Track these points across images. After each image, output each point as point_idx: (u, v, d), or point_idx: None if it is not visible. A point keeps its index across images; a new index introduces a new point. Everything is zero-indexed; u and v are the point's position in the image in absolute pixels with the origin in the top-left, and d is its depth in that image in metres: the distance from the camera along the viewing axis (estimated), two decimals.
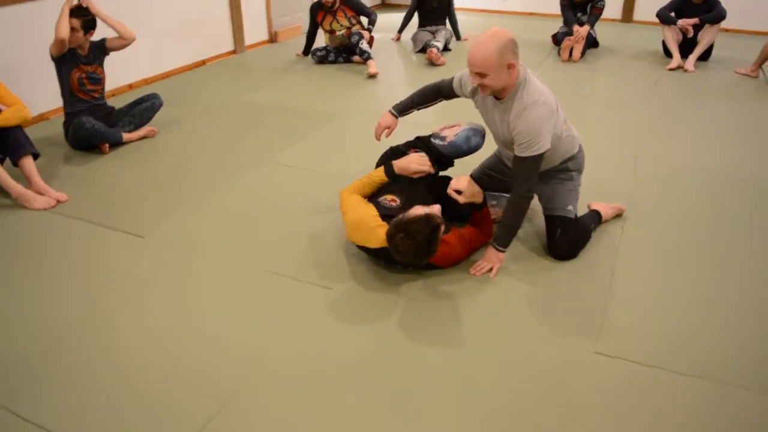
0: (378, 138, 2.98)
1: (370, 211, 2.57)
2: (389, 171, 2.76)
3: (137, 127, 4.15)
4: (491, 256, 2.62)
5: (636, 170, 3.64)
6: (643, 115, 4.62)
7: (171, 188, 3.45)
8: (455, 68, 4.66)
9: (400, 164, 2.75)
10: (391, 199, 2.67)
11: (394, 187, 2.74)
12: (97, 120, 3.86)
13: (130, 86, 5.27)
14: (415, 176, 2.74)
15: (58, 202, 3.27)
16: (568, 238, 2.70)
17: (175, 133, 4.27)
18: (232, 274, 2.65)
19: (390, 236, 2.36)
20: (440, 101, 2.92)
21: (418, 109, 2.96)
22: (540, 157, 2.48)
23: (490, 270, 2.61)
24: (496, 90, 2.48)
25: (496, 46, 2.34)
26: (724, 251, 2.81)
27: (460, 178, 2.65)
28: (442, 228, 2.39)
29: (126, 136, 4.04)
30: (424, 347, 2.21)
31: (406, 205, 2.57)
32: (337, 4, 5.94)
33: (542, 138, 2.45)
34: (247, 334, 2.27)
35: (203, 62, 6.10)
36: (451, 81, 2.81)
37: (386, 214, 2.55)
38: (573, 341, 2.23)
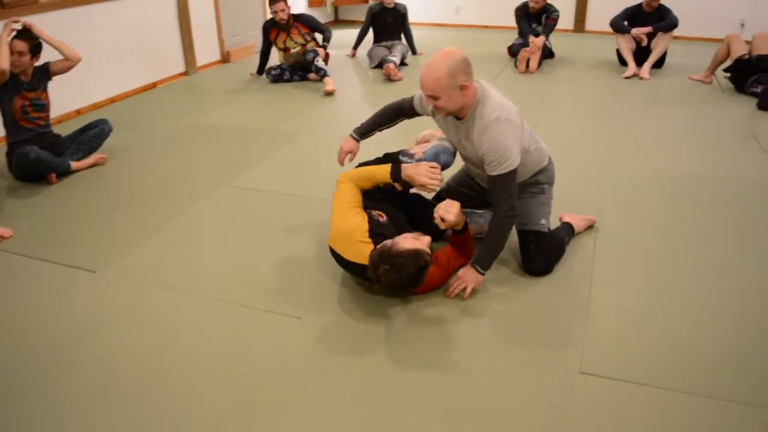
0: (342, 163, 2.86)
1: (362, 225, 2.41)
2: (395, 173, 2.56)
3: (86, 154, 3.95)
4: (467, 276, 2.49)
5: (602, 177, 3.60)
6: (605, 122, 4.62)
7: (124, 218, 3.26)
8: (412, 83, 4.60)
9: (408, 171, 2.52)
10: (377, 214, 2.52)
11: (380, 204, 2.60)
12: (42, 149, 3.64)
13: (78, 112, 5.05)
14: (420, 190, 2.62)
15: (2, 237, 3.06)
16: (542, 252, 2.62)
17: (127, 160, 4.08)
18: (194, 308, 2.48)
19: (374, 264, 2.23)
20: (402, 120, 2.84)
21: (380, 130, 2.86)
22: (514, 173, 2.39)
23: (464, 289, 2.48)
24: (452, 111, 2.40)
25: (446, 67, 2.26)
26: (697, 253, 2.80)
27: (450, 205, 2.41)
28: (430, 267, 2.28)
29: (74, 164, 3.84)
30: (406, 376, 2.08)
31: (393, 224, 2.47)
32: (291, 21, 5.82)
33: (511, 154, 2.36)
34: (214, 374, 2.11)
35: (154, 85, 5.90)
36: (411, 100, 2.73)
37: (375, 231, 2.40)
38: (557, 362, 2.13)
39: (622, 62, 6.18)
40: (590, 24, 8.06)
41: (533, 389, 2.00)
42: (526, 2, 6.42)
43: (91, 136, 4.00)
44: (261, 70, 6.12)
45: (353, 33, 7.11)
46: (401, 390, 2.02)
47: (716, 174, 3.66)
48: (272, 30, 5.87)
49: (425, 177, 2.51)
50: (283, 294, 2.57)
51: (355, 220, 2.43)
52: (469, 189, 2.90)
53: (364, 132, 2.84)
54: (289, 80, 5.96)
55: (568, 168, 3.64)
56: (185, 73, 6.30)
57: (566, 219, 2.94)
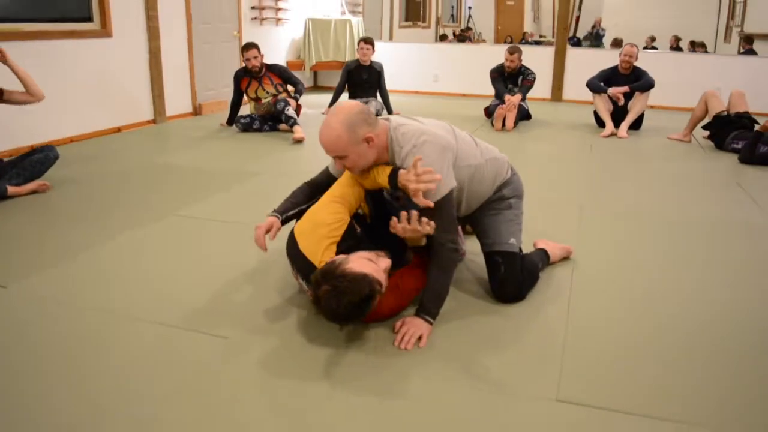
0: (262, 244, 2.30)
1: (337, 224, 2.10)
2: (392, 178, 2.12)
3: (26, 180, 3.65)
4: (417, 323, 2.08)
5: (581, 219, 3.36)
6: (583, 172, 4.45)
7: (52, 239, 2.93)
8: None
9: (404, 176, 2.06)
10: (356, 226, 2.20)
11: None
12: None
13: (32, 147, 4.76)
14: (413, 195, 2.04)
15: None
16: (513, 275, 2.32)
17: (71, 190, 3.78)
18: (111, 327, 2.13)
19: (315, 283, 1.90)
20: (317, 197, 2.37)
21: (300, 209, 2.39)
22: (450, 197, 2.11)
23: (419, 338, 2.06)
24: (366, 167, 2.14)
25: (343, 123, 2.04)
26: (678, 283, 2.57)
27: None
28: (378, 299, 1.93)
29: (12, 189, 3.53)
30: (357, 406, 1.74)
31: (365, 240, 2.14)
32: (263, 70, 5.69)
33: (441, 175, 2.05)
34: (132, 389, 1.75)
35: (118, 129, 5.68)
36: (326, 172, 2.42)
37: (346, 239, 2.10)
38: (532, 390, 1.81)
39: (600, 123, 6.10)
40: (567, 93, 8.08)
41: (507, 417, 1.67)
42: (502, 64, 6.39)
43: (34, 162, 3.72)
44: (231, 120, 5.93)
45: (330, 98, 6.99)
46: (356, 422, 1.67)
47: (701, 216, 3.46)
48: (244, 78, 5.73)
49: (416, 182, 2.04)
50: (211, 314, 2.24)
51: (332, 216, 2.12)
52: None
53: (283, 211, 2.37)
54: (259, 129, 5.77)
55: (546, 209, 3.41)
56: (153, 121, 6.09)
57: (540, 245, 2.67)
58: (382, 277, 1.93)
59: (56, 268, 2.61)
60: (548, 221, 3.23)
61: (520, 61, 6.25)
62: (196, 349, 2.00)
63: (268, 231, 2.30)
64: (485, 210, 2.41)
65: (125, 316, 2.20)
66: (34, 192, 3.66)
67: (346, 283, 1.83)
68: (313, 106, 7.07)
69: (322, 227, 2.09)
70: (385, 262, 1.98)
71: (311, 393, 1.77)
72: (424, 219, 2.00)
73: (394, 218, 2.03)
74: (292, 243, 2.14)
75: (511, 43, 8.91)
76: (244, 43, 5.76)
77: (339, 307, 1.84)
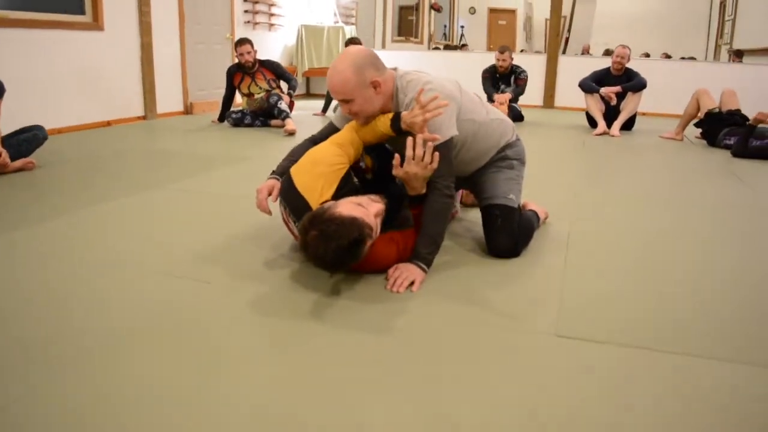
0: (264, 207, 2.23)
1: (337, 162, 2.03)
2: (395, 122, 2.06)
3: (13, 158, 3.58)
4: (411, 269, 2.01)
5: (576, 199, 3.32)
6: (576, 164, 4.43)
7: (41, 204, 2.86)
8: None
9: (408, 115, 2.01)
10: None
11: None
12: None
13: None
14: (419, 131, 1.98)
15: None
16: (510, 229, 2.26)
17: (58, 169, 3.71)
18: (97, 277, 2.06)
19: (303, 229, 1.82)
20: None
21: None
22: (449, 144, 2.07)
23: (412, 283, 2.00)
24: (372, 114, 2.10)
25: (351, 66, 2.01)
26: (669, 239, 2.50)
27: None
28: (368, 243, 1.84)
29: None
30: (356, 341, 1.67)
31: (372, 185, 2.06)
32: (256, 65, 5.67)
33: (441, 121, 2.03)
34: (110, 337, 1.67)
35: (108, 123, 5.63)
36: (330, 126, 2.35)
37: (345, 187, 2.02)
38: (531, 325, 1.75)
39: (592, 124, 6.11)
40: (559, 100, 8.11)
41: (507, 355, 1.60)
42: (494, 64, 6.41)
43: (22, 140, 3.67)
44: (222, 117, 5.90)
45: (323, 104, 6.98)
46: (354, 357, 1.61)
47: (696, 197, 3.42)
48: (237, 74, 5.71)
49: (422, 114, 1.97)
50: (201, 263, 2.17)
51: (333, 157, 2.05)
52: None
53: (283, 171, 2.24)
54: (250, 125, 5.73)
55: (539, 193, 3.38)
56: (143, 117, 6.05)
57: (530, 207, 2.63)
58: (372, 222, 1.85)
59: (43, 226, 2.53)
60: (542, 197, 3.18)
61: (511, 59, 6.29)
62: (184, 292, 1.93)
63: (269, 194, 2.23)
64: (487, 168, 2.38)
65: (108, 267, 2.13)
66: (20, 170, 3.59)
67: (334, 227, 1.75)
68: (305, 109, 7.06)
69: (321, 165, 2.03)
70: (376, 207, 1.91)
71: (301, 330, 1.70)
72: (429, 146, 1.94)
73: (397, 157, 1.98)
74: (287, 183, 2.07)
75: None
76: (236, 40, 5.74)
77: (327, 252, 1.75)
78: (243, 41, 5.59)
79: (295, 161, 2.20)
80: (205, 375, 1.44)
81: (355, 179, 2.14)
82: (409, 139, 1.96)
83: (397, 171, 2.00)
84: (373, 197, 1.97)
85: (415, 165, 1.97)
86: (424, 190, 2.07)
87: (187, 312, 1.78)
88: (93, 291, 1.91)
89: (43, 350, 1.53)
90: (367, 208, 1.88)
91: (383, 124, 2.10)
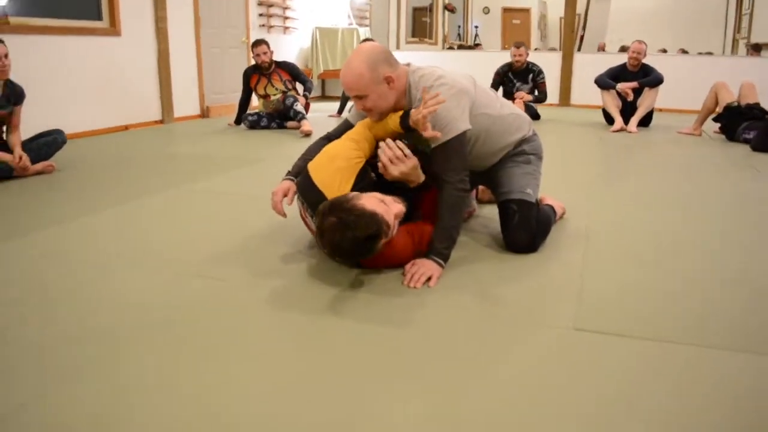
0: (280, 210, 2.23)
1: (354, 156, 2.05)
2: (404, 119, 2.06)
3: (33, 161, 3.63)
4: (428, 264, 2.01)
5: (593, 192, 3.30)
6: (593, 158, 4.40)
7: (60, 203, 2.90)
8: None
9: (414, 113, 2.00)
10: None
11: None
12: None
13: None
14: (422, 129, 1.99)
15: None
16: (527, 224, 2.25)
17: (77, 172, 3.76)
18: (117, 276, 2.08)
19: (322, 213, 1.83)
20: None
21: None
22: (461, 138, 2.06)
23: (429, 279, 1.98)
24: (385, 110, 2.10)
25: (365, 61, 2.02)
26: (696, 233, 2.46)
27: (401, 155, 2.01)
28: (383, 240, 1.84)
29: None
30: (376, 333, 1.68)
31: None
32: (273, 66, 5.71)
33: (453, 116, 2.04)
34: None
35: (126, 127, 5.68)
36: (344, 123, 2.35)
37: (362, 181, 2.03)
38: (549, 319, 1.75)
39: (609, 121, 6.06)
40: (575, 98, 8.07)
41: (525, 349, 1.59)
42: (508, 63, 6.40)
43: (42, 144, 3.73)
44: (239, 119, 5.93)
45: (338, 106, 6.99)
46: (371, 351, 1.61)
47: (716, 189, 3.39)
48: (253, 75, 5.75)
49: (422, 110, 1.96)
50: (217, 262, 2.19)
51: (350, 151, 2.07)
52: None
53: (298, 171, 2.24)
54: (267, 127, 5.76)
55: (555, 187, 3.36)
56: (161, 121, 6.11)
57: (547, 201, 2.62)
58: (391, 220, 1.86)
59: (63, 227, 2.57)
60: (560, 193, 3.16)
61: (528, 55, 6.28)
62: (202, 290, 1.94)
63: (284, 196, 2.24)
64: (504, 163, 2.37)
65: (127, 266, 2.15)
66: (40, 173, 3.65)
67: (353, 218, 1.76)
68: (320, 110, 7.08)
69: (338, 159, 2.04)
70: (397, 207, 1.91)
71: (319, 325, 1.71)
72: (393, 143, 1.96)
73: (380, 165, 1.98)
74: (305, 179, 2.08)
75: None
76: (253, 41, 5.78)
77: (342, 240, 1.76)
78: (259, 42, 5.63)
79: (309, 160, 2.19)
80: (224, 371, 1.45)
81: (372, 174, 2.15)
82: (381, 144, 1.96)
83: (388, 176, 2.00)
84: (397, 198, 1.97)
85: (396, 165, 1.96)
86: (422, 178, 2.07)
87: (204, 309, 1.79)
88: (111, 290, 1.93)
89: (62, 348, 1.55)
90: (389, 207, 1.88)
91: (393, 121, 2.11)
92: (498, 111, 2.28)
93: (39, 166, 3.64)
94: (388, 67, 2.06)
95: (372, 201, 1.85)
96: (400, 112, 2.11)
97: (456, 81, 2.12)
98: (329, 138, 2.34)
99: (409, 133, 2.09)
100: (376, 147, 2.14)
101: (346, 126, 2.33)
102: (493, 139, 2.29)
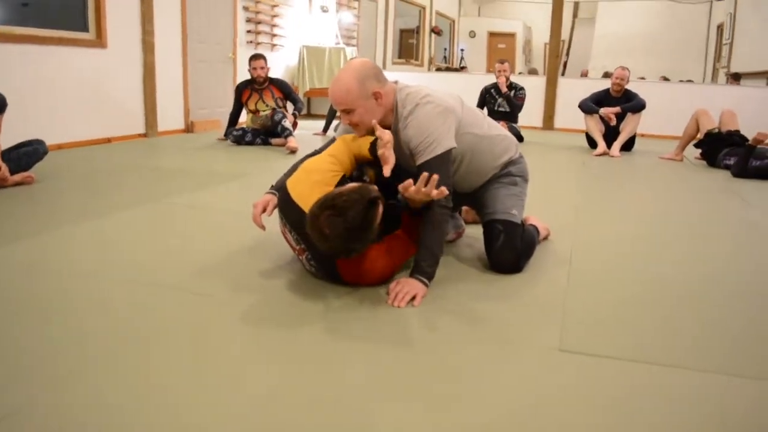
0: (259, 222, 2.21)
1: (331, 171, 2.03)
2: (372, 147, 2.07)
3: (13, 171, 3.57)
4: (413, 283, 1.98)
5: (577, 215, 3.31)
6: (576, 182, 4.43)
7: (38, 214, 2.84)
8: None
9: (378, 145, 2.02)
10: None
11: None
12: None
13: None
14: (383, 162, 2.02)
15: None
16: (513, 245, 2.25)
17: (57, 183, 3.70)
18: (97, 288, 2.04)
19: (313, 217, 1.80)
20: None
21: None
22: (446, 156, 2.06)
23: (413, 298, 1.95)
24: (372, 127, 2.07)
25: (354, 76, 2.03)
26: (671, 254, 2.49)
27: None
28: (381, 207, 1.84)
29: None
30: (357, 352, 1.65)
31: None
32: (266, 82, 5.71)
33: (438, 134, 2.04)
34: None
35: (108, 140, 5.63)
36: (332, 141, 2.31)
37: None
38: (535, 341, 1.74)
39: (592, 144, 6.12)
40: (559, 122, 8.15)
41: (510, 369, 1.58)
42: (494, 83, 6.49)
43: (22, 154, 3.66)
44: (229, 133, 5.90)
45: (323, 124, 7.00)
46: (354, 370, 1.59)
47: (697, 212, 3.42)
48: (245, 90, 5.75)
49: (381, 147, 2.02)
50: (200, 276, 2.15)
51: (327, 165, 2.06)
52: None
53: (281, 186, 2.20)
54: (251, 143, 5.72)
55: (539, 209, 3.37)
56: (144, 135, 6.06)
57: (532, 221, 2.62)
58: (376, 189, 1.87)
59: (43, 238, 2.52)
60: (544, 215, 3.18)
61: (511, 72, 6.40)
62: (184, 305, 1.91)
63: (264, 209, 2.23)
64: (490, 184, 2.37)
65: (108, 278, 2.11)
66: (19, 184, 3.58)
67: (345, 198, 1.77)
68: (306, 128, 7.07)
69: (315, 173, 2.03)
70: (375, 188, 1.91)
71: (302, 343, 1.68)
72: (434, 180, 1.93)
73: (410, 180, 1.95)
74: (283, 194, 2.07)
75: None
76: (251, 55, 5.78)
77: (347, 222, 1.74)
78: (258, 56, 5.66)
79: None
80: (203, 387, 1.42)
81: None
82: (424, 175, 1.93)
83: (403, 191, 1.99)
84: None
85: (419, 192, 1.94)
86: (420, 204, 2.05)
87: (184, 324, 1.76)
88: (91, 304, 1.89)
89: (40, 362, 1.51)
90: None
91: (365, 146, 2.11)
92: (485, 131, 2.29)
93: (18, 176, 3.58)
94: (377, 83, 2.06)
95: (350, 185, 1.88)
96: (372, 138, 2.10)
97: (442, 100, 2.12)
98: (313, 155, 2.33)
99: (375, 159, 2.09)
100: (370, 163, 2.15)
101: (332, 142, 2.32)
102: (480, 159, 2.30)
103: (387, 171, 1.98)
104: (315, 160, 2.12)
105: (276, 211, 2.21)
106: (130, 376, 1.44)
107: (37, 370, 1.45)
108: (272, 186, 2.31)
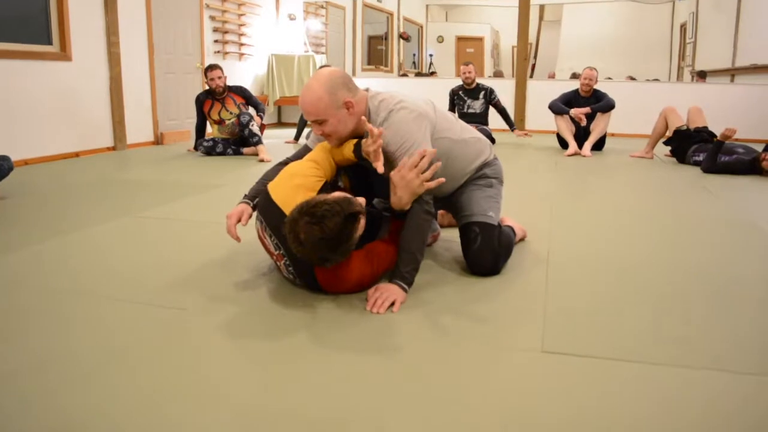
0: (233, 234, 2.18)
1: (313, 175, 2.03)
2: (357, 148, 2.06)
3: None
4: (392, 289, 1.97)
5: (552, 213, 3.32)
6: (550, 181, 4.45)
7: (8, 233, 2.77)
8: None
9: (365, 143, 2.03)
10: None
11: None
12: None
13: None
14: (372, 160, 2.01)
15: None
16: (490, 246, 2.24)
17: (27, 199, 3.61)
18: (69, 304, 1.98)
19: (292, 221, 1.77)
20: None
21: None
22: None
23: (392, 304, 1.94)
24: (345, 136, 2.08)
25: (324, 85, 1.99)
26: (646, 251, 2.49)
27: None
28: (362, 221, 1.83)
29: None
30: (342, 359, 1.62)
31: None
32: (226, 91, 5.65)
33: (414, 139, 2.03)
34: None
35: (77, 154, 5.52)
36: (304, 150, 2.31)
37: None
38: (517, 342, 1.73)
39: (563, 145, 6.16)
40: (529, 124, 8.20)
41: (494, 372, 1.57)
42: (459, 85, 6.55)
43: None
44: (197, 145, 5.83)
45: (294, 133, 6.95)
46: (335, 378, 1.56)
47: (668, 209, 3.46)
48: (206, 101, 5.67)
49: (372, 144, 1.98)
50: (174, 290, 2.11)
51: (309, 170, 2.04)
52: None
53: (256, 194, 2.23)
54: (222, 153, 5.66)
55: (514, 209, 3.37)
56: (113, 148, 5.96)
57: (507, 222, 2.62)
58: (360, 202, 1.86)
59: (10, 256, 2.45)
60: (519, 216, 3.18)
61: (476, 73, 6.45)
62: (158, 320, 1.86)
63: (239, 219, 2.19)
64: (466, 186, 2.36)
65: (79, 294, 2.06)
66: None
67: (326, 207, 1.75)
68: (277, 137, 7.03)
69: (297, 177, 2.01)
70: (360, 199, 1.90)
71: (282, 351, 1.65)
72: (436, 164, 1.97)
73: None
74: (264, 197, 2.04)
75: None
76: (206, 66, 5.71)
77: (323, 232, 1.73)
78: (213, 67, 5.57)
79: (266, 183, 2.17)
80: (181, 402, 1.38)
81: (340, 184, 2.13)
82: (419, 150, 1.95)
83: (394, 173, 1.98)
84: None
85: (411, 172, 1.94)
86: (408, 207, 2.03)
87: (159, 338, 1.72)
88: (61, 322, 1.83)
89: (8, 382, 1.45)
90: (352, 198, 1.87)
91: (348, 149, 2.09)
92: (459, 135, 2.29)
93: None
94: (348, 92, 2.04)
95: (334, 194, 1.86)
96: (355, 141, 2.08)
97: (416, 105, 2.11)
98: (287, 163, 2.30)
99: (361, 162, 2.08)
100: (344, 168, 2.13)
101: (305, 152, 2.29)
102: (455, 163, 2.29)
103: (380, 167, 1.96)
104: (298, 164, 2.10)
105: (253, 217, 2.18)
106: (105, 394, 1.40)
107: (9, 389, 1.40)
108: (245, 195, 2.28)
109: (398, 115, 2.06)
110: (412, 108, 2.08)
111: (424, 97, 2.26)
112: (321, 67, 6.63)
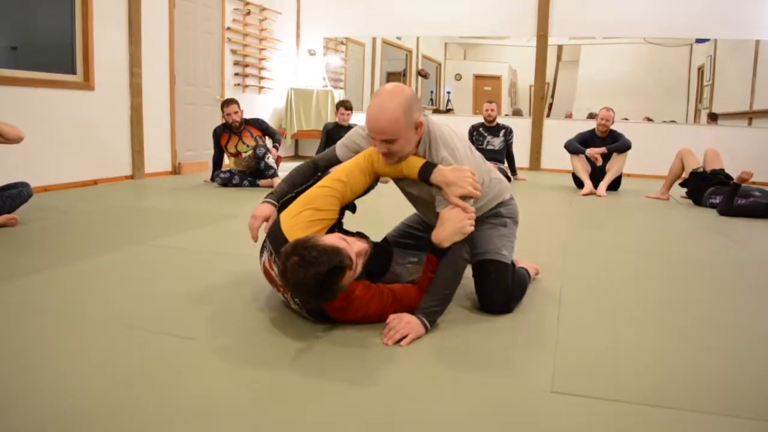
0: (256, 234, 2.22)
1: (329, 205, 2.02)
2: (425, 171, 2.03)
3: None
4: (413, 321, 1.97)
5: (565, 252, 3.30)
6: (564, 221, 4.43)
7: (20, 263, 2.79)
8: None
9: (448, 174, 2.00)
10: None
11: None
12: None
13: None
14: (451, 195, 2.00)
15: None
16: (504, 285, 2.22)
17: (41, 225, 3.65)
18: (79, 331, 1.99)
19: (285, 254, 1.78)
20: (318, 177, 2.30)
21: (297, 192, 2.27)
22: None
23: (404, 337, 1.92)
24: (405, 155, 2.07)
25: (400, 106, 1.94)
26: (662, 296, 2.45)
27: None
28: (348, 274, 1.81)
29: None
30: (341, 394, 1.61)
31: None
32: (242, 124, 5.72)
33: (461, 159, 2.07)
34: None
35: (95, 182, 5.59)
36: (332, 153, 2.30)
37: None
38: (526, 383, 1.70)
39: (579, 185, 6.16)
40: (545, 163, 8.21)
41: (503, 412, 1.54)
42: (480, 122, 6.61)
43: (6, 196, 3.61)
44: (214, 176, 5.89)
45: None
46: (337, 410, 1.54)
47: (684, 253, 3.42)
48: (223, 134, 5.75)
49: (468, 184, 1.98)
50: (178, 318, 2.10)
51: (325, 199, 2.03)
52: (424, 232, 2.51)
53: (281, 195, 2.26)
54: (239, 185, 5.71)
55: (528, 248, 3.36)
56: (131, 177, 6.03)
57: (521, 264, 2.59)
58: (353, 256, 1.83)
59: (25, 280, 2.46)
60: (533, 254, 3.16)
61: (498, 112, 6.51)
62: (167, 349, 1.86)
63: (265, 220, 2.20)
64: (481, 224, 2.34)
65: (90, 321, 2.06)
66: (2, 226, 3.53)
67: (315, 254, 1.73)
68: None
69: (309, 210, 2.00)
70: (359, 246, 1.89)
71: (287, 384, 1.63)
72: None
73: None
74: (275, 227, 2.06)
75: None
76: (223, 101, 5.79)
77: (306, 278, 1.72)
78: (230, 101, 5.65)
79: (292, 184, 2.24)
80: (190, 430, 1.36)
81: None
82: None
83: (448, 210, 2.01)
84: (360, 238, 1.96)
85: (466, 214, 1.99)
86: (447, 244, 2.00)
87: (168, 367, 1.71)
88: (72, 347, 1.83)
89: (20, 404, 1.45)
90: (350, 245, 1.86)
91: (409, 167, 2.06)
92: (483, 177, 2.26)
93: (1, 218, 3.53)
94: (419, 112, 2.02)
95: (332, 238, 1.85)
96: (420, 161, 2.06)
97: (466, 155, 2.14)
98: (315, 163, 2.32)
99: (426, 183, 2.07)
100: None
101: (333, 157, 2.29)
102: (476, 204, 2.27)
103: (459, 203, 2.01)
104: (317, 193, 2.06)
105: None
106: (109, 424, 1.39)
107: (14, 415, 1.39)
108: (270, 194, 2.28)
109: (454, 140, 2.10)
110: (459, 139, 2.15)
111: (459, 133, 2.26)
112: (340, 102, 6.71)
